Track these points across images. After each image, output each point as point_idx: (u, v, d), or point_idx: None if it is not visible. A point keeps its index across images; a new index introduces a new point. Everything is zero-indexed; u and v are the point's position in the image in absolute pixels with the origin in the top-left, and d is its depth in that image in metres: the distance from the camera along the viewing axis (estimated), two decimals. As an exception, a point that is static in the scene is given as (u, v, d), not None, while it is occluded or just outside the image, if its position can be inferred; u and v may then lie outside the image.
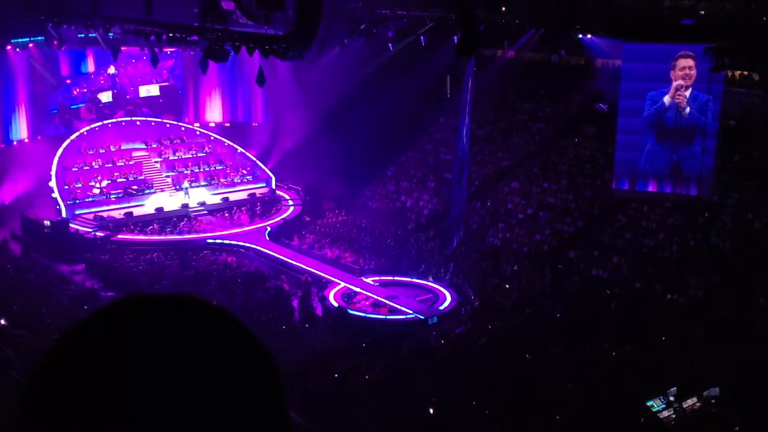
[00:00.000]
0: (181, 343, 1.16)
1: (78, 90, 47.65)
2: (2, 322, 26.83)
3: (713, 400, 21.35)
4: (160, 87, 49.50)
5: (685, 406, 21.15)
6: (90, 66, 47.18)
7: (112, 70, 47.60)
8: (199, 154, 44.07)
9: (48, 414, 1.15)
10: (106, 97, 47.76)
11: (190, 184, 41.57)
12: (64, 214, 37.32)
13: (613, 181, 32.05)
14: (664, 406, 21.06)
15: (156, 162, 43.03)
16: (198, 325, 1.20)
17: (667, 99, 29.60)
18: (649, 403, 21.14)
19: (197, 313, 1.22)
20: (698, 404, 21.33)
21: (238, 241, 36.35)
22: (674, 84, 29.38)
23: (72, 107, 46.05)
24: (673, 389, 21.38)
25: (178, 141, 44.43)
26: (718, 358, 23.38)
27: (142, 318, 1.19)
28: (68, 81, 46.48)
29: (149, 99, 48.95)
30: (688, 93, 29.32)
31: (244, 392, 1.17)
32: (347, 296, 30.96)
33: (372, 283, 32.09)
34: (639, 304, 28.44)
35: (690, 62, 28.96)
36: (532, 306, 29.37)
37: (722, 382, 21.77)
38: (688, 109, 29.41)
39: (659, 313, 27.21)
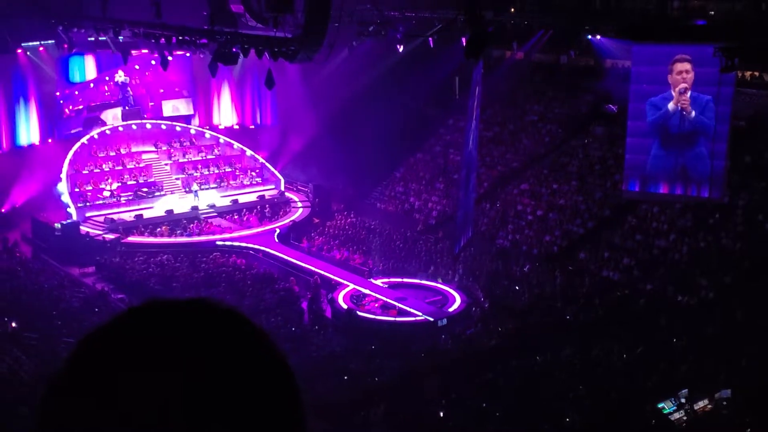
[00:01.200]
0: (199, 350, 1.17)
1: (71, 107, 41.83)
2: (13, 324, 26.93)
3: (725, 402, 21.27)
4: (195, 102, 45.79)
5: (696, 408, 21.08)
6: (89, 71, 42.35)
7: (121, 76, 43.33)
8: (208, 157, 44.15)
9: (67, 420, 1.15)
10: (112, 117, 42.91)
11: (200, 187, 41.65)
12: (74, 217, 37.43)
13: (623, 183, 31.96)
14: (675, 408, 21.00)
15: (166, 164, 43.12)
16: (215, 330, 1.21)
17: (671, 106, 29.37)
18: (660, 405, 21.08)
19: (214, 319, 1.23)
20: (710, 406, 21.25)
21: (247, 243, 36.40)
22: (676, 89, 29.12)
23: (68, 135, 41.00)
24: (685, 391, 21.31)
25: (188, 143, 44.50)
26: (729, 359, 23.30)
27: (160, 324, 1.20)
28: (56, 93, 41.38)
29: (177, 120, 44.73)
30: (688, 95, 29.09)
31: (262, 399, 1.18)
32: (356, 298, 30.94)
33: (381, 284, 32.06)
34: (650, 306, 28.37)
35: (687, 66, 28.77)
36: (543, 307, 29.29)
37: (734, 384, 21.68)
38: (693, 113, 29.18)
39: (670, 315, 27.12)
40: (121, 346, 1.18)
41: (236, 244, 36.47)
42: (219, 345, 1.19)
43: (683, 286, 28.96)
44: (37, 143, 41.36)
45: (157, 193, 40.96)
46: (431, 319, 28.93)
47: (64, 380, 1.18)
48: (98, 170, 40.99)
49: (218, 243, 36.49)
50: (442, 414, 21.94)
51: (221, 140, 44.79)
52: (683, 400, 21.13)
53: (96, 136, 41.67)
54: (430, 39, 34.00)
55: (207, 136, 44.99)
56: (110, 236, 36.58)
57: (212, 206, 40.65)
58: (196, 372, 1.14)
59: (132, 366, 1.14)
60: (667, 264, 30.45)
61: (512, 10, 35.69)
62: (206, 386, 1.14)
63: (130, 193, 40.44)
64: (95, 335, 1.21)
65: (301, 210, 41.43)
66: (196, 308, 1.23)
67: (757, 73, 33.61)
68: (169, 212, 39.24)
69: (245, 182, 43.37)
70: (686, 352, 24.51)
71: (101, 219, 38.28)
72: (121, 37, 32.68)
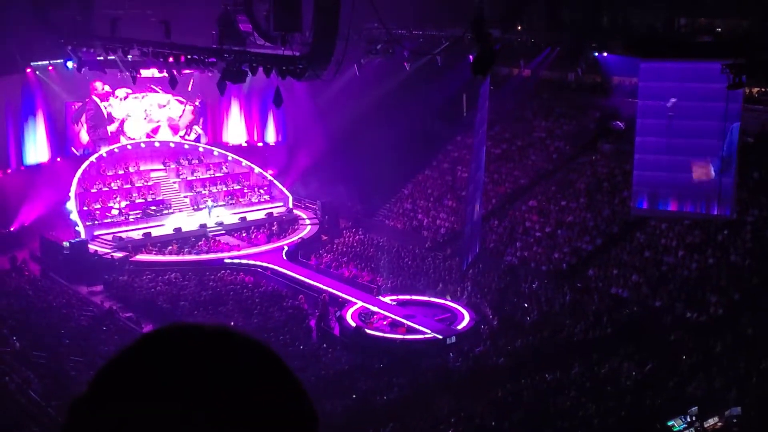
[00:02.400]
0: (221, 377, 1.17)
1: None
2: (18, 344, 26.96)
3: (735, 420, 21.11)
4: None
5: (706, 425, 20.93)
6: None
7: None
8: (217, 174, 44.27)
9: None
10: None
11: (213, 203, 41.77)
12: (83, 235, 37.52)
13: (631, 200, 31.84)
14: (685, 425, 20.84)
15: (174, 182, 43.24)
16: (236, 358, 1.21)
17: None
18: (670, 423, 20.93)
19: (236, 347, 1.23)
20: (720, 423, 21.10)
21: (255, 261, 36.42)
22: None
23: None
24: (694, 408, 21.17)
25: (197, 161, 44.65)
26: (739, 376, 23.16)
27: (183, 351, 1.20)
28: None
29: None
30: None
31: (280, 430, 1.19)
32: (365, 316, 30.89)
33: (389, 302, 32.02)
34: (659, 323, 28.23)
35: None
36: (552, 325, 29.19)
37: (744, 401, 21.54)
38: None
39: (679, 332, 26.99)
40: (145, 375, 1.17)
41: (244, 261, 36.50)
42: (241, 379, 1.19)
43: (692, 302, 28.84)
44: (45, 162, 41.58)
45: (166, 211, 41.05)
46: (440, 337, 28.85)
47: (86, 407, 1.18)
48: (107, 188, 41.15)
49: (226, 261, 36.52)
50: (450, 432, 21.85)
51: (229, 158, 44.93)
52: (693, 418, 20.98)
53: (104, 155, 41.90)
54: (438, 57, 34.09)
55: (215, 153, 45.15)
56: (118, 254, 36.66)
57: (220, 224, 40.73)
58: (218, 406, 1.15)
59: (154, 396, 1.14)
60: (676, 280, 30.32)
61: (519, 28, 35.78)
62: (227, 421, 1.14)
63: (138, 212, 40.52)
64: (119, 361, 1.21)
65: (309, 227, 41.46)
66: (220, 340, 1.23)
67: (764, 89, 33.58)
68: (178, 230, 39.31)
69: (253, 200, 43.44)
70: (696, 369, 24.37)
71: (110, 237, 38.37)
72: (129, 57, 32.83)
